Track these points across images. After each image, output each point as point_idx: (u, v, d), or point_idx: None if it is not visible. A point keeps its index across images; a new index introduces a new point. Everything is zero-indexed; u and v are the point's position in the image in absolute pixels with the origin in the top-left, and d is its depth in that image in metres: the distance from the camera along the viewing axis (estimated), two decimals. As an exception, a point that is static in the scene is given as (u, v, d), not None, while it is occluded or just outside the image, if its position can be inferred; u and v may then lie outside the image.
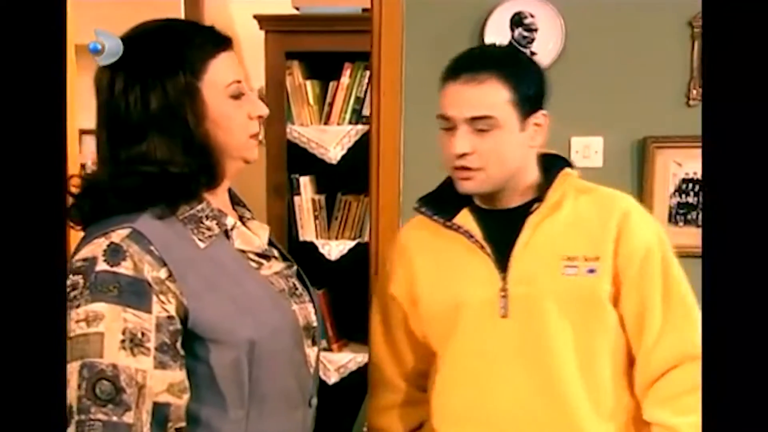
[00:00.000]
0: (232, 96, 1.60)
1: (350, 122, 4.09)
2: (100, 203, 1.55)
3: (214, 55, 1.58)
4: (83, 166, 4.08)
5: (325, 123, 4.11)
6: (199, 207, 1.59)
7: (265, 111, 1.65)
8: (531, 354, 1.85)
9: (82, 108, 3.01)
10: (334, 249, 4.08)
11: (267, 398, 1.59)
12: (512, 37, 2.83)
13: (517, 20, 2.83)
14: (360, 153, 3.97)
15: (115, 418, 1.44)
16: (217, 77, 1.58)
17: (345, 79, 4.07)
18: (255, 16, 4.01)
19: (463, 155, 1.83)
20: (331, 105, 4.10)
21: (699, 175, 2.79)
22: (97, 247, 1.49)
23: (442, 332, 1.93)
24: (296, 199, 4.15)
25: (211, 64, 1.57)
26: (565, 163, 1.96)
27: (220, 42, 1.61)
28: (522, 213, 1.89)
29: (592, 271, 1.85)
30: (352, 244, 4.08)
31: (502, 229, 1.89)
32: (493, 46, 1.90)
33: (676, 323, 1.86)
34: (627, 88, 2.82)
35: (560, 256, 1.85)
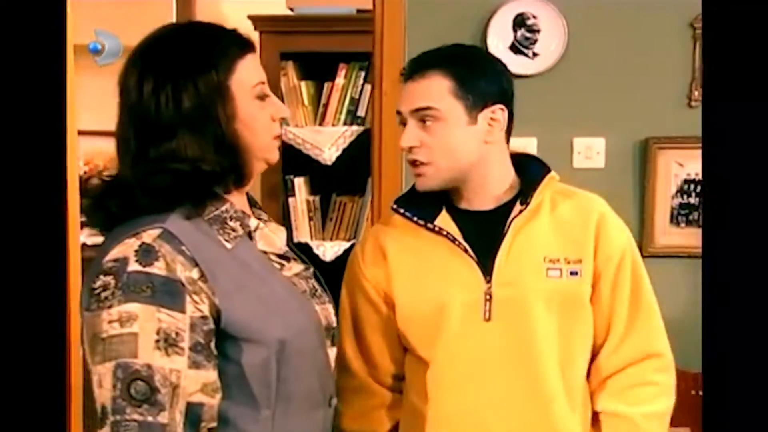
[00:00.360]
0: (257, 97, 1.62)
1: (345, 123, 4.10)
2: (128, 203, 1.55)
3: (242, 56, 1.60)
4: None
5: (320, 124, 4.12)
6: (223, 208, 1.61)
7: (287, 113, 1.68)
8: (515, 356, 1.87)
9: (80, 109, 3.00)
10: (329, 250, 4.09)
11: (292, 398, 1.61)
12: (515, 38, 2.84)
13: (519, 21, 2.84)
14: (355, 154, 3.99)
15: (150, 418, 1.44)
16: (245, 77, 1.60)
17: (340, 80, 4.08)
18: (249, 17, 4.00)
19: (411, 149, 1.87)
20: (325, 106, 4.12)
21: (701, 176, 2.80)
22: (128, 247, 1.49)
23: (425, 336, 1.92)
24: (291, 200, 4.16)
25: (239, 64, 1.59)
26: (543, 165, 1.97)
27: (245, 44, 1.62)
28: (501, 215, 1.90)
29: (574, 273, 1.89)
30: (347, 245, 4.09)
31: (481, 231, 1.90)
32: (446, 46, 1.92)
33: (640, 325, 1.93)
34: (629, 89, 2.84)
35: (543, 258, 1.88)
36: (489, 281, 1.87)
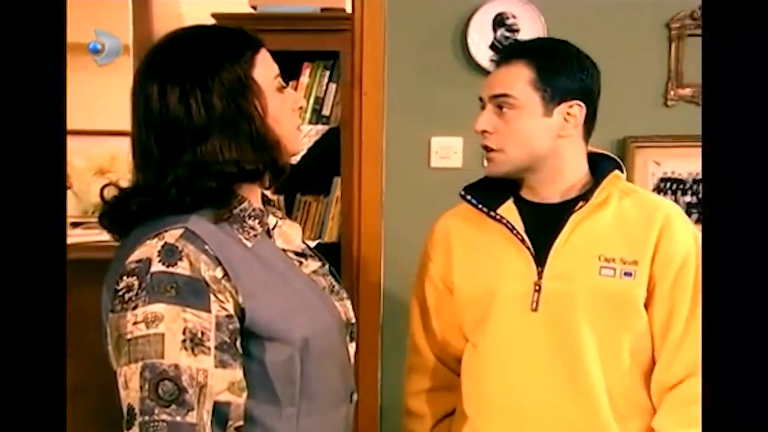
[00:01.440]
0: (277, 89, 1.63)
1: (310, 122, 4.07)
2: (150, 203, 1.55)
3: (257, 51, 1.61)
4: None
5: (284, 123, 4.07)
6: (241, 207, 1.61)
7: (303, 102, 1.70)
8: (557, 348, 1.89)
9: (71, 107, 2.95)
10: (294, 250, 4.05)
11: (316, 395, 1.62)
12: (495, 37, 2.88)
13: (499, 20, 2.88)
14: (320, 153, 3.97)
15: (178, 419, 1.44)
16: (264, 71, 1.61)
17: (305, 79, 4.05)
18: (213, 15, 3.96)
19: (484, 133, 1.91)
20: (290, 105, 4.07)
21: (677, 174, 2.89)
22: (150, 248, 1.49)
23: (475, 320, 1.97)
24: (255, 199, 4.11)
25: (257, 59, 1.60)
26: (616, 164, 1.99)
27: (256, 40, 1.64)
28: (565, 209, 1.93)
29: (628, 274, 1.88)
30: (312, 244, 4.05)
31: (543, 223, 1.93)
32: (539, 38, 1.95)
33: (698, 334, 1.85)
34: (607, 89, 2.82)
35: (598, 256, 1.88)
36: (541, 272, 1.89)
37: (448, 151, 2.92)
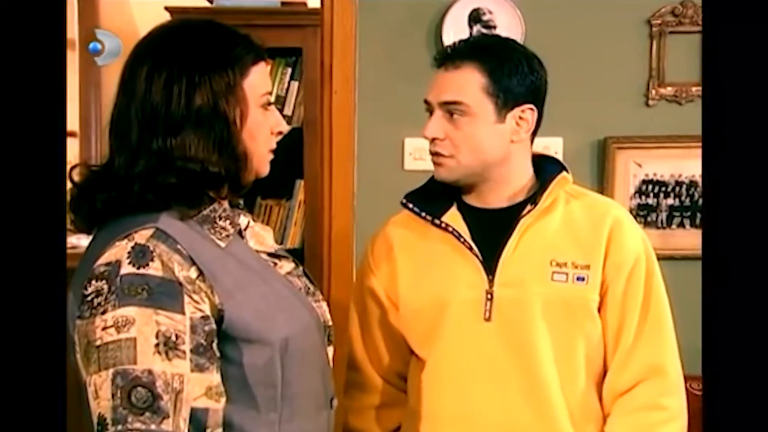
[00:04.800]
0: (263, 105, 1.62)
1: (271, 122, 3.99)
2: (116, 199, 1.53)
3: (256, 62, 1.62)
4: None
5: (244, 123, 3.99)
6: (211, 207, 1.60)
7: (285, 128, 1.69)
8: (512, 357, 1.87)
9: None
10: (255, 256, 3.97)
11: (297, 399, 1.60)
12: (470, 34, 2.84)
13: (475, 17, 2.85)
14: (281, 155, 3.88)
15: (153, 427, 1.41)
16: (256, 83, 1.61)
17: (264, 77, 3.97)
18: (166, 8, 3.88)
19: (434, 140, 1.87)
20: (250, 104, 3.99)
21: (659, 176, 2.88)
22: (120, 249, 1.48)
23: (424, 333, 1.94)
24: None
25: (253, 70, 1.61)
26: (561, 166, 1.97)
27: (260, 51, 1.64)
28: (512, 214, 1.91)
29: (581, 279, 1.87)
30: (273, 250, 3.97)
31: (490, 229, 1.90)
32: (486, 36, 1.90)
33: (649, 338, 1.90)
34: (586, 88, 2.88)
35: (550, 261, 1.87)
36: (492, 280, 1.87)
37: (422, 153, 2.81)
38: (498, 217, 1.91)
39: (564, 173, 1.93)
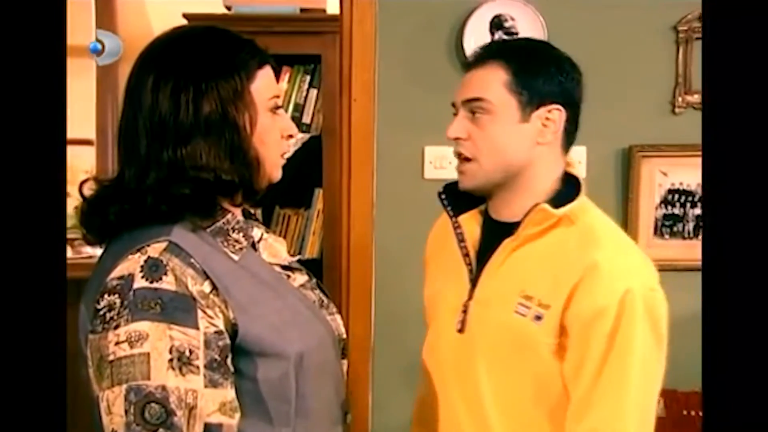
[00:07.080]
0: (271, 109, 1.63)
1: (289, 130, 3.99)
2: (129, 211, 1.54)
3: (261, 66, 1.62)
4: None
5: (262, 131, 3.99)
6: (224, 219, 1.60)
7: (295, 131, 1.69)
8: (468, 376, 1.83)
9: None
10: (272, 266, 3.97)
11: (311, 414, 1.60)
12: (492, 41, 2.78)
13: (497, 23, 2.84)
14: (300, 164, 3.88)
15: None
16: (263, 87, 1.61)
17: (283, 84, 3.97)
18: (184, 15, 3.88)
19: (457, 140, 1.84)
20: (268, 112, 3.99)
21: (685, 186, 2.85)
22: (132, 263, 1.48)
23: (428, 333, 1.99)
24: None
25: (259, 74, 1.61)
26: (575, 188, 1.85)
27: (264, 55, 1.64)
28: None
29: (539, 318, 1.75)
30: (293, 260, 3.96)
31: (495, 242, 1.84)
32: (515, 38, 1.86)
33: (608, 389, 1.71)
34: (611, 95, 2.85)
35: (519, 291, 1.78)
36: (472, 293, 1.85)
37: (442, 161, 2.85)
38: (506, 230, 1.83)
39: (578, 200, 1.81)
